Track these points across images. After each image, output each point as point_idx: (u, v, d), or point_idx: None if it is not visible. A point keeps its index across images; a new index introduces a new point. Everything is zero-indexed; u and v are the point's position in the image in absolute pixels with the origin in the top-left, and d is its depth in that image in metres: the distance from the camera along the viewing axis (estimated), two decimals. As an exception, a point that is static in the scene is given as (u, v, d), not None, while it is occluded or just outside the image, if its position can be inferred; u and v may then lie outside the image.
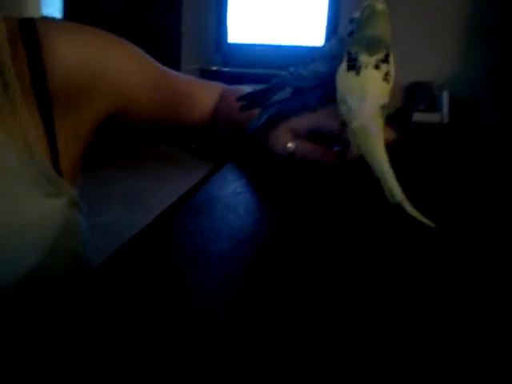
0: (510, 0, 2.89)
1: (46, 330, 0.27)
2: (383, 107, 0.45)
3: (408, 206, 0.41)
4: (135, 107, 0.60)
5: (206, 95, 0.68)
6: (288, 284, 0.32)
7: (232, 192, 0.47)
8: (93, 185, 2.33)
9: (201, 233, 0.38)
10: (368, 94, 0.44)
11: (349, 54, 0.46)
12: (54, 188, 0.48)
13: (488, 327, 0.29)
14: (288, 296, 0.31)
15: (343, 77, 0.46)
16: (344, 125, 0.48)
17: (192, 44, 3.45)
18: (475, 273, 0.35)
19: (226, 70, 3.14)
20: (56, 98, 0.50)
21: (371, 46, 0.45)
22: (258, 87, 0.58)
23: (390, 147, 0.44)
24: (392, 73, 0.46)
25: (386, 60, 0.45)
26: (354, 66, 0.45)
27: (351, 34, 0.49)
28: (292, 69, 0.55)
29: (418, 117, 2.94)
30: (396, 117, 2.85)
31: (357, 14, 0.49)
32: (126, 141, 0.74)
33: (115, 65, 0.56)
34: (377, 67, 0.45)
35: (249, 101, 0.58)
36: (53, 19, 0.58)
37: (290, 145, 0.53)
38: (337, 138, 0.51)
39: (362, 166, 0.45)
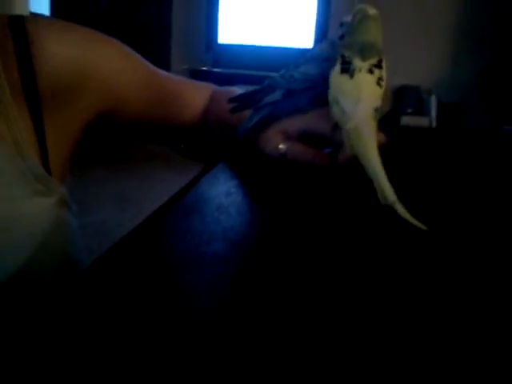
0: (499, 4, 2.93)
1: (37, 330, 0.27)
2: (376, 110, 0.45)
3: (400, 208, 0.41)
4: (125, 106, 0.59)
5: (196, 96, 0.68)
6: (280, 285, 0.32)
7: (224, 193, 0.47)
8: (82, 184, 2.32)
9: (192, 233, 0.38)
10: (362, 96, 0.45)
11: (342, 57, 0.46)
12: (42, 186, 0.48)
13: (480, 327, 0.29)
14: (280, 297, 0.31)
15: (337, 79, 0.47)
16: (336, 126, 0.48)
17: (182, 44, 3.45)
18: (465, 274, 0.35)
19: (215, 70, 3.14)
20: (45, 96, 0.50)
21: (364, 52, 0.46)
22: (248, 88, 0.58)
23: (379, 150, 0.44)
24: (384, 78, 0.46)
25: (379, 65, 0.46)
26: (347, 69, 0.46)
27: (342, 37, 0.50)
28: (283, 71, 0.55)
29: (406, 120, 2.97)
30: (384, 120, 2.88)
31: (348, 18, 0.49)
32: (115, 140, 0.74)
33: (105, 63, 0.56)
34: (370, 71, 0.45)
35: (240, 102, 0.58)
36: (42, 16, 0.57)
37: (281, 146, 0.53)
38: (328, 140, 0.51)
39: (354, 168, 0.45)
